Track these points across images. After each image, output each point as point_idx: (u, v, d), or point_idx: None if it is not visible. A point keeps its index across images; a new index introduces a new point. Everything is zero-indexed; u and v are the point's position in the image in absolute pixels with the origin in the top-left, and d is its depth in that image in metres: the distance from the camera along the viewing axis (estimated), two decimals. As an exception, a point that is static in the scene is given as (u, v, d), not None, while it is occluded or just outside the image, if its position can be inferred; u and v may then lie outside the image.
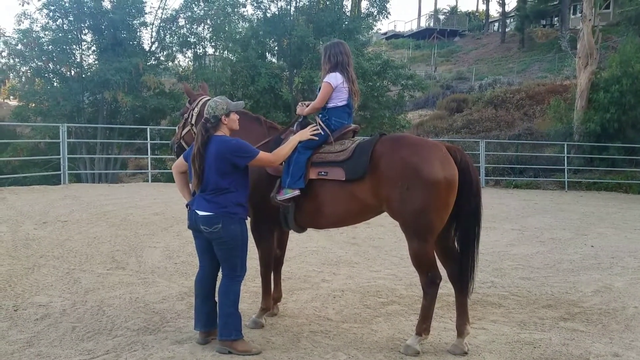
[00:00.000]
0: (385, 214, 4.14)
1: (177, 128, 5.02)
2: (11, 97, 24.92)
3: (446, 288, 4.55)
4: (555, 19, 41.34)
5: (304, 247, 7.41)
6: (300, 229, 4.45)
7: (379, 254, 7.27)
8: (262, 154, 4.01)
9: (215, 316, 4.03)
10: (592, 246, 8.06)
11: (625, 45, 19.18)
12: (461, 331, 4.00)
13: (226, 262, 3.99)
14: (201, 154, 3.92)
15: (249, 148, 3.99)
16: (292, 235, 4.95)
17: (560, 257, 7.32)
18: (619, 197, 15.41)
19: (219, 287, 4.01)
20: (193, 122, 4.81)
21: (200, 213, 3.92)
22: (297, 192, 4.12)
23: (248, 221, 4.16)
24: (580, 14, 23.99)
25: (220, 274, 4.07)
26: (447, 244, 4.11)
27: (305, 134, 4.22)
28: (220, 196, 3.91)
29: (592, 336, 4.42)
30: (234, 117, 4.11)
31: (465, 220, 3.98)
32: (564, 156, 16.93)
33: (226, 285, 3.98)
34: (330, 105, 4.34)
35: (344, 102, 4.36)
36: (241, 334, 3.94)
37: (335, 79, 4.30)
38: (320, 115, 4.36)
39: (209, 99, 4.91)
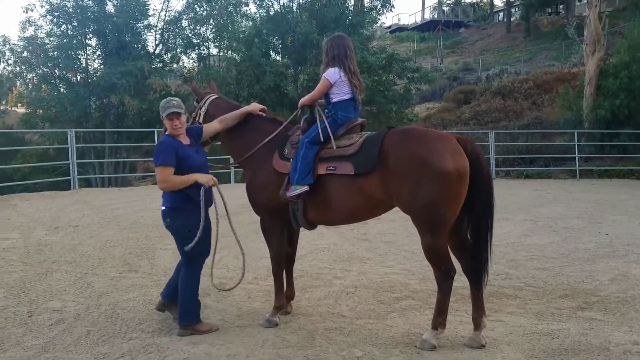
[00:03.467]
0: (396, 208, 4.09)
1: (185, 127, 5.00)
2: (19, 104, 25.12)
3: (461, 281, 4.49)
4: (561, 6, 40.95)
5: (314, 244, 7.37)
6: (311, 226, 4.42)
7: (390, 249, 7.22)
8: (159, 169, 4.15)
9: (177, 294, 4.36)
10: (606, 234, 7.96)
11: (633, 30, 18.92)
12: (478, 324, 3.95)
13: (180, 252, 4.32)
14: None
15: (157, 156, 4.16)
16: (303, 232, 4.92)
17: (575, 246, 7.24)
18: (631, 183, 15.23)
19: (180, 275, 4.36)
20: (200, 121, 4.80)
21: (161, 209, 4.33)
22: (306, 188, 4.08)
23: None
24: (586, 1, 23.73)
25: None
26: (460, 237, 4.05)
27: (206, 178, 4.19)
28: (166, 192, 4.26)
29: (611, 325, 4.35)
30: (165, 122, 4.28)
31: (478, 212, 3.91)
32: (574, 144, 16.78)
33: (184, 273, 4.31)
34: (335, 99, 4.29)
35: (349, 96, 4.29)
36: (200, 319, 4.31)
37: (333, 73, 4.24)
38: (326, 110, 4.31)
39: (216, 97, 4.90)
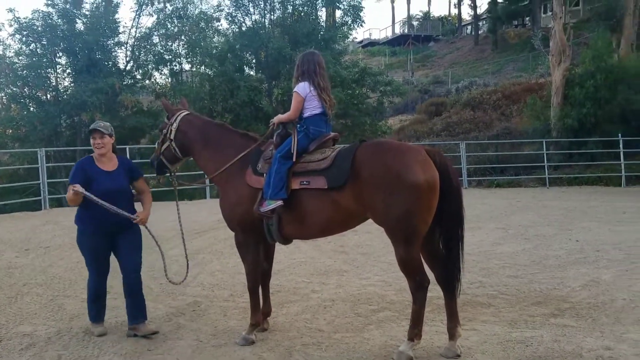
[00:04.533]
0: (371, 220, 4.12)
1: (156, 144, 4.98)
2: (-13, 125, 24.57)
3: (436, 291, 4.52)
4: (527, 18, 41.96)
5: (292, 258, 7.36)
6: (286, 240, 4.41)
7: (367, 261, 7.25)
8: (69, 187, 4.42)
9: (134, 310, 4.63)
10: (577, 241, 8.12)
11: (597, 40, 19.54)
12: (452, 334, 3.99)
13: None
14: None
15: (71, 175, 4.53)
16: (280, 247, 4.91)
17: (546, 253, 7.37)
18: (599, 190, 15.61)
19: None
20: (172, 137, 4.79)
21: None
22: (280, 203, 4.09)
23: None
24: (551, 13, 24.39)
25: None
26: (432, 247, 4.09)
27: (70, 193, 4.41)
28: None
29: (583, 331, 4.43)
30: (91, 140, 4.59)
31: (448, 222, 3.97)
32: (543, 153, 17.12)
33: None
34: (307, 114, 4.33)
35: (320, 110, 4.34)
36: (95, 319, 4.71)
37: (303, 87, 4.31)
38: (298, 125, 4.34)
39: (187, 114, 4.89)
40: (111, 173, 4.62)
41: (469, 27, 50.22)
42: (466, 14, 52.45)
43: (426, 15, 57.86)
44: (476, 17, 44.89)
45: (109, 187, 4.53)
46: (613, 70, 18.25)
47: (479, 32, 44.23)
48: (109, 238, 4.64)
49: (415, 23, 56.25)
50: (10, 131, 22.22)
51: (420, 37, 50.23)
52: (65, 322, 5.02)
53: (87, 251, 4.67)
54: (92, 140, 4.58)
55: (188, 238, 8.86)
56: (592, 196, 13.86)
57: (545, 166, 16.97)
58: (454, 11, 55.80)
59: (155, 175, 5.15)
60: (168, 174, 5.04)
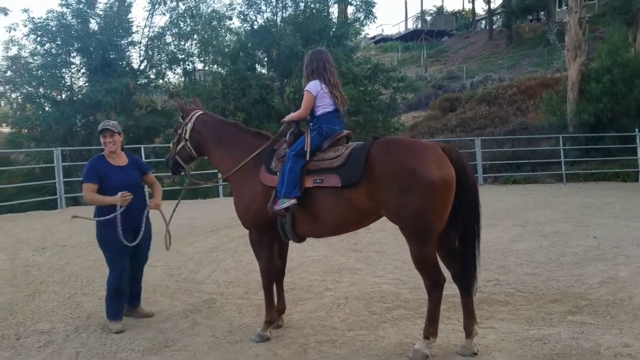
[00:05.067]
0: (385, 218, 4.09)
1: (171, 144, 5.00)
2: (3, 124, 24.87)
3: (451, 289, 4.49)
4: (542, 13, 41.55)
5: (305, 256, 7.35)
6: (300, 238, 4.41)
7: (381, 259, 7.22)
8: (84, 185, 4.73)
9: (134, 296, 5.06)
10: (594, 237, 8.03)
11: (613, 34, 19.27)
12: (469, 332, 3.95)
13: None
14: None
15: (85, 174, 4.76)
16: (293, 245, 4.91)
17: (564, 250, 7.29)
18: (616, 186, 15.41)
19: None
20: (187, 137, 4.81)
21: None
22: (293, 201, 4.08)
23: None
24: (566, 7, 24.12)
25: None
26: (448, 245, 4.05)
27: (118, 199, 4.65)
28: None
29: (602, 328, 4.38)
30: (102, 139, 4.83)
31: (465, 220, 3.93)
32: (559, 149, 16.94)
33: (107, 277, 4.80)
34: (319, 112, 4.32)
35: (332, 108, 4.32)
36: (114, 317, 4.75)
37: (314, 85, 4.30)
38: (311, 124, 4.32)
39: (202, 113, 4.91)
40: (123, 168, 4.90)
41: (483, 21, 49.83)
42: (480, 8, 52.32)
43: (439, 10, 57.49)
44: (490, 12, 44.50)
45: (123, 181, 4.78)
46: (629, 64, 17.97)
47: (494, 26, 43.89)
48: (131, 232, 4.77)
49: (428, 18, 55.83)
50: (26, 131, 22.47)
51: (434, 32, 49.89)
52: (83, 319, 5.07)
53: (110, 246, 4.75)
54: (103, 139, 4.84)
55: (202, 236, 8.97)
56: (609, 192, 13.69)
57: (562, 162, 16.79)
58: (468, 6, 55.63)
59: (170, 174, 5.20)
60: (183, 173, 5.08)
